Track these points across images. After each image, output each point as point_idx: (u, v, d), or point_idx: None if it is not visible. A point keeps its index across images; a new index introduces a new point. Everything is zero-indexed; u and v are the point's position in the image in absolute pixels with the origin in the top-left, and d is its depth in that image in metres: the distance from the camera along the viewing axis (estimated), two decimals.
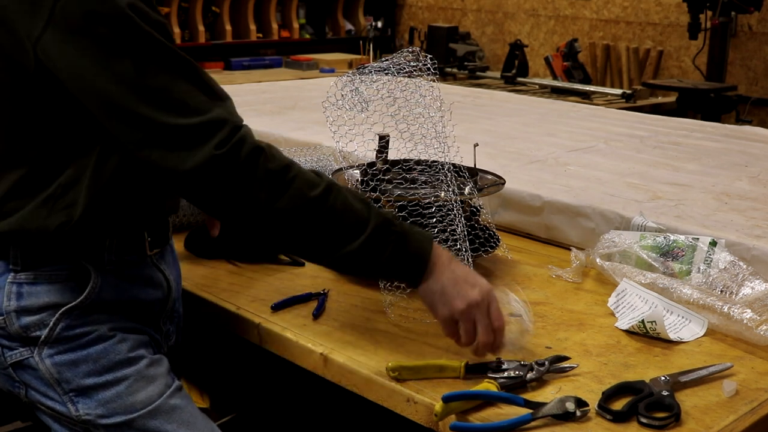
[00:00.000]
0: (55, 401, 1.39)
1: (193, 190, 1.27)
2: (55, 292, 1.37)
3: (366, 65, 1.58)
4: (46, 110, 1.31)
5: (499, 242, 1.76)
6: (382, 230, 1.30)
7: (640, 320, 1.43)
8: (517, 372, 1.28)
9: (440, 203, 1.57)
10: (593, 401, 1.22)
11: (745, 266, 1.58)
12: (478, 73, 5.49)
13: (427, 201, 1.58)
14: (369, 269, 1.35)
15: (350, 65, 5.60)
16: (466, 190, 1.66)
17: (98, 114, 1.27)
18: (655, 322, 1.41)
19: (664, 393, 1.23)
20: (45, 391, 1.39)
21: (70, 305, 1.37)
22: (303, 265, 1.74)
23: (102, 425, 1.38)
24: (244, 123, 1.29)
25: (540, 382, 1.29)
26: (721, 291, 1.56)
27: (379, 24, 6.48)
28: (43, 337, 1.37)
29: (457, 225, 1.56)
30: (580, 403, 1.20)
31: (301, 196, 1.27)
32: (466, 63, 5.60)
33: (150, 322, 1.48)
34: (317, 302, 1.55)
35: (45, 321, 1.37)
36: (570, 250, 1.76)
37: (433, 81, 1.56)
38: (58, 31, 1.22)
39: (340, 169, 1.79)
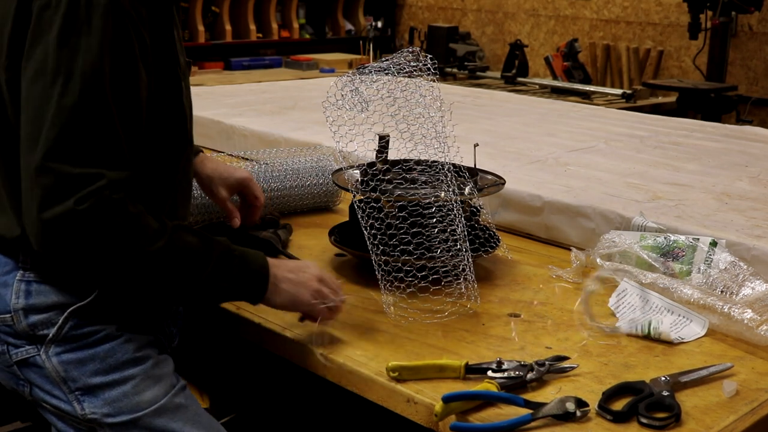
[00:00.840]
0: (60, 400, 1.39)
1: (48, 238, 1.25)
2: (64, 292, 1.37)
3: (366, 65, 1.58)
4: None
5: (499, 242, 1.76)
6: (224, 258, 1.34)
7: (647, 322, 1.42)
8: (517, 372, 1.28)
9: (440, 203, 1.57)
10: (593, 401, 1.22)
11: (745, 266, 1.58)
12: (478, 73, 5.49)
13: (427, 201, 1.58)
14: (218, 295, 1.41)
15: (350, 65, 5.60)
16: (466, 190, 1.66)
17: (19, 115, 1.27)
18: (661, 322, 1.42)
19: (665, 393, 1.23)
20: (50, 389, 1.39)
21: (79, 305, 1.37)
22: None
23: (107, 424, 1.38)
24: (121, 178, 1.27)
25: (540, 383, 1.29)
26: (722, 291, 1.56)
27: (379, 24, 6.48)
28: (50, 335, 1.37)
29: (457, 225, 1.56)
30: (581, 403, 1.20)
31: (143, 251, 1.28)
32: (466, 63, 5.60)
33: (155, 323, 1.48)
34: None
35: (53, 320, 1.37)
36: (570, 250, 1.75)
37: (433, 81, 1.56)
38: (38, 17, 1.24)
39: (340, 169, 1.79)
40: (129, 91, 1.29)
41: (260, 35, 6.05)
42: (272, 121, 2.81)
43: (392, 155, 1.72)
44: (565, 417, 1.19)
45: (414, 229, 1.56)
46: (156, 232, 1.29)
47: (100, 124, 1.25)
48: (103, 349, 1.38)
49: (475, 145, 1.75)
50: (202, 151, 1.78)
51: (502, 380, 1.27)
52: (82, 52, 1.23)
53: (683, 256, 1.64)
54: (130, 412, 1.38)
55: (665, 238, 1.68)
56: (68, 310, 1.37)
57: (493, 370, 1.29)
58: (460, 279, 1.53)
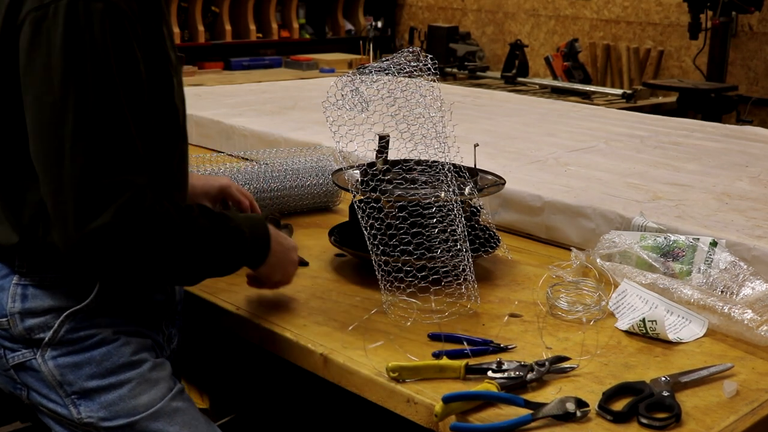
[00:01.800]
0: (56, 403, 1.39)
1: (86, 251, 1.25)
2: (60, 296, 1.37)
3: (366, 65, 1.58)
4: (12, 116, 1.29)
5: (499, 242, 1.75)
6: (232, 232, 1.38)
7: (641, 319, 1.43)
8: (517, 372, 1.28)
9: (440, 203, 1.57)
10: (593, 402, 1.21)
11: (745, 266, 1.58)
12: (478, 73, 5.50)
13: (427, 201, 1.58)
14: (228, 267, 1.42)
15: (350, 65, 5.60)
16: (467, 191, 1.66)
17: (29, 133, 1.26)
18: (655, 321, 1.41)
19: (665, 393, 1.23)
20: (47, 393, 1.39)
21: (75, 308, 1.37)
22: (307, 264, 1.74)
23: (104, 428, 1.38)
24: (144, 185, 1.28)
25: (540, 383, 1.28)
26: (722, 291, 1.55)
27: (379, 24, 6.48)
28: (46, 339, 1.37)
29: (457, 225, 1.56)
30: (581, 403, 1.20)
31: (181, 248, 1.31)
32: (466, 63, 5.60)
33: (153, 325, 1.48)
34: None
35: (49, 323, 1.37)
36: (570, 250, 1.75)
37: (434, 81, 1.56)
38: (35, 28, 1.22)
39: (340, 169, 1.79)
40: (136, 92, 1.28)
41: (260, 35, 6.05)
42: (272, 121, 2.81)
43: (392, 155, 1.72)
44: (565, 417, 1.19)
45: (414, 229, 1.56)
46: (186, 227, 1.31)
47: (119, 131, 1.24)
48: (100, 353, 1.38)
49: (475, 145, 1.75)
50: None
51: (502, 380, 1.26)
52: (90, 60, 1.22)
53: (683, 256, 1.64)
54: (127, 415, 1.37)
55: (665, 238, 1.68)
56: (64, 314, 1.37)
57: (493, 371, 1.29)
58: (460, 279, 1.53)
